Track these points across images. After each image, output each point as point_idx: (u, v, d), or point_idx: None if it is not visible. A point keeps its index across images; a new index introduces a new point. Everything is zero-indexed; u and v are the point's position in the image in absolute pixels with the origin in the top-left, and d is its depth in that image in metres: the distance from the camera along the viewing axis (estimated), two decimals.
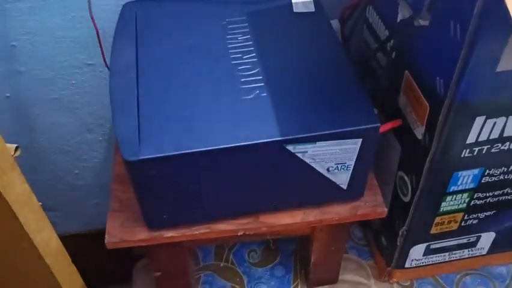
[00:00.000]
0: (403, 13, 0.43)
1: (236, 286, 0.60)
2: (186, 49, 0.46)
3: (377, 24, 0.49)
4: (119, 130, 0.39)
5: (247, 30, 0.48)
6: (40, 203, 0.41)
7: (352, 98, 0.41)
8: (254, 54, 0.45)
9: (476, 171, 0.46)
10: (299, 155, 0.40)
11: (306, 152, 0.40)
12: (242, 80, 0.43)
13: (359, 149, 0.41)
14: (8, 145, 0.37)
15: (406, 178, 0.49)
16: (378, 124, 0.39)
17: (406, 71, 0.44)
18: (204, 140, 0.38)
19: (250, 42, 0.46)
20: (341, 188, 0.44)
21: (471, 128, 0.41)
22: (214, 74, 0.44)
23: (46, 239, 0.43)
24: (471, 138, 0.42)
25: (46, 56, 0.58)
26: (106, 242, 0.44)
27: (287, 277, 0.61)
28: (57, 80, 0.61)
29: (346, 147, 0.40)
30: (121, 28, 0.49)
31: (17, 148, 0.38)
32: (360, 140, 0.40)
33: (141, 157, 0.37)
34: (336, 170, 0.42)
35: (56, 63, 0.59)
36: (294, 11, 0.49)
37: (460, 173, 0.46)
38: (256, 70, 0.44)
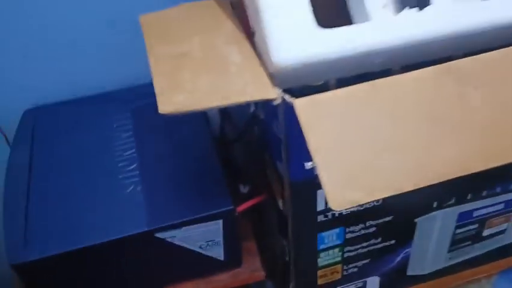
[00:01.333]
0: (251, 105, 0.50)
1: None
2: (76, 150, 0.53)
3: (247, 108, 0.57)
4: (6, 232, 0.45)
5: (130, 127, 0.55)
6: None
7: (210, 187, 0.48)
8: (133, 150, 0.52)
9: (337, 230, 0.53)
10: (170, 239, 0.46)
11: (175, 236, 0.46)
12: (120, 176, 0.49)
13: (222, 228, 0.47)
14: None
15: (283, 242, 0.55)
16: (232, 207, 0.46)
17: (266, 152, 0.52)
18: (80, 239, 0.44)
19: (132, 139, 0.53)
20: (219, 259, 0.50)
21: (316, 199, 0.48)
22: (98, 172, 0.50)
23: None
24: (321, 206, 0.49)
25: None
26: None
27: None
28: None
29: (210, 228, 0.47)
30: (19, 133, 0.55)
31: None
32: (221, 220, 0.47)
33: (25, 259, 0.43)
34: (208, 247, 0.49)
35: None
36: None
37: (323, 233, 0.53)
38: (134, 165, 0.50)
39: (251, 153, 0.57)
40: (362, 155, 0.37)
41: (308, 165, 0.43)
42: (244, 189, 0.54)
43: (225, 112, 0.60)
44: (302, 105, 0.38)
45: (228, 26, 0.46)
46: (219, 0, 0.49)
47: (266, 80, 0.41)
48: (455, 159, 0.37)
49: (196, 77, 0.41)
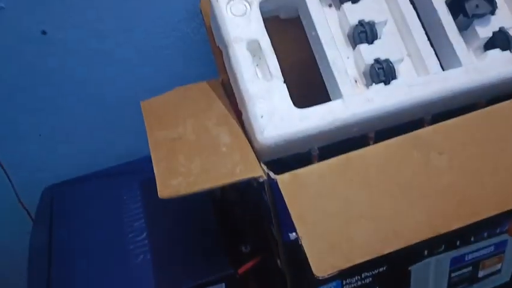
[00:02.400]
0: None
1: None
2: (90, 225, 0.58)
3: None
4: None
5: (139, 198, 0.60)
6: None
7: (212, 252, 0.52)
8: (142, 221, 0.57)
9: (334, 283, 0.57)
10: None
11: None
12: (131, 246, 0.54)
13: None
14: None
15: None
16: (232, 270, 0.51)
17: (262, 216, 0.56)
18: None
19: (141, 209, 0.58)
20: None
21: None
22: (110, 244, 0.55)
23: None
24: None
25: None
26: None
27: None
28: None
29: None
30: (39, 211, 0.61)
31: None
32: (223, 284, 0.51)
33: None
34: None
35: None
36: None
37: (322, 287, 0.56)
38: (143, 235, 0.55)
39: (250, 215, 0.61)
40: (339, 223, 0.41)
41: (292, 235, 0.47)
42: (246, 249, 0.58)
43: None
44: (284, 181, 0.43)
45: (219, 107, 0.51)
46: (211, 82, 0.55)
47: (253, 157, 0.46)
48: (425, 222, 0.41)
49: (190, 160, 0.46)
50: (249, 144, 0.47)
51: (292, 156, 0.49)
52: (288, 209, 0.45)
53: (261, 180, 0.44)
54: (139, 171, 0.63)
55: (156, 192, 0.62)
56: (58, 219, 0.59)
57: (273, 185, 0.44)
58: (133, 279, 0.51)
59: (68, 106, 0.64)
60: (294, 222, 0.41)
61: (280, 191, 0.43)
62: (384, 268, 0.57)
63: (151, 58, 0.62)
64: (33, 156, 0.65)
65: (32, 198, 0.65)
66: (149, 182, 0.63)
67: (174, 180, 0.44)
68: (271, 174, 0.44)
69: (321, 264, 0.40)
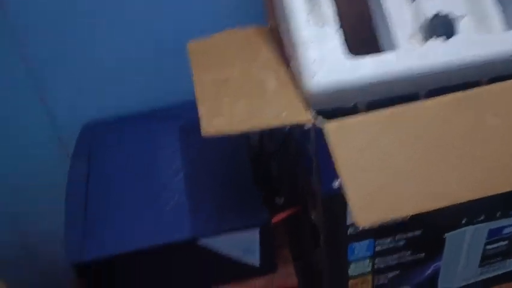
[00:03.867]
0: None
1: None
2: (129, 163, 0.58)
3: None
4: (67, 235, 0.51)
5: (177, 142, 0.60)
6: None
7: (248, 199, 0.52)
8: (179, 162, 0.57)
9: (367, 242, 0.56)
10: (210, 247, 0.51)
11: (215, 244, 0.51)
12: (168, 187, 0.55)
13: (259, 237, 0.52)
14: None
15: (316, 251, 0.59)
16: (267, 218, 0.50)
17: (299, 165, 0.56)
18: (134, 242, 0.50)
19: (178, 152, 0.58)
20: (255, 266, 0.55)
21: (346, 213, 0.52)
22: (148, 182, 0.56)
23: None
24: (351, 220, 0.53)
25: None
26: None
27: None
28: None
29: (247, 237, 0.51)
30: (78, 146, 0.62)
31: None
32: (257, 230, 0.51)
33: (82, 260, 0.49)
34: (246, 254, 0.53)
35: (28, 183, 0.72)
36: None
37: (354, 245, 0.56)
38: (179, 177, 0.56)
39: (286, 167, 0.61)
40: (383, 176, 0.40)
41: (335, 184, 0.46)
42: (279, 200, 0.58)
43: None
44: (331, 129, 0.42)
45: (266, 53, 0.50)
46: (260, 28, 0.54)
47: (300, 104, 0.45)
48: (472, 183, 0.40)
49: (235, 102, 0.45)
50: (296, 91, 0.46)
51: (338, 109, 0.48)
52: (331, 158, 0.44)
53: (307, 126, 0.43)
54: (178, 117, 0.63)
55: (194, 137, 0.62)
56: (96, 156, 0.60)
57: (319, 132, 0.43)
58: (166, 219, 0.52)
59: (116, 45, 0.63)
60: (338, 169, 0.40)
61: (324, 140, 0.42)
62: (420, 232, 0.56)
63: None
64: (74, 92, 0.66)
65: (71, 134, 0.66)
66: (187, 128, 0.64)
67: (218, 120, 0.43)
68: (319, 121, 0.43)
69: (362, 214, 0.39)
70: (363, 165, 0.41)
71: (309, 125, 0.43)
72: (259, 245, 0.52)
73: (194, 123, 0.63)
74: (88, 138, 0.62)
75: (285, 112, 0.44)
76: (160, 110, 0.64)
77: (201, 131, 0.42)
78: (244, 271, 0.55)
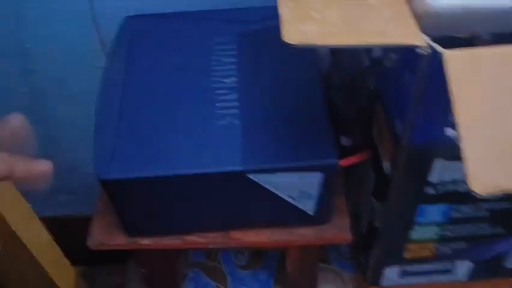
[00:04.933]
0: (377, 50, 0.44)
1: (220, 286, 0.64)
2: (172, 68, 0.49)
3: (362, 52, 0.50)
4: (97, 146, 0.43)
5: (233, 52, 0.50)
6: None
7: (316, 133, 0.43)
8: (234, 78, 0.47)
9: (443, 206, 0.47)
10: (262, 183, 0.42)
11: (268, 181, 0.42)
12: (217, 104, 0.45)
13: (320, 181, 0.43)
14: None
15: (377, 205, 0.50)
16: (336, 160, 0.41)
17: (379, 106, 0.46)
18: (169, 165, 0.41)
19: (233, 65, 0.48)
20: (307, 213, 0.46)
21: (431, 169, 0.42)
22: (193, 96, 0.46)
23: (35, 234, 0.47)
24: (433, 178, 0.43)
25: (56, 56, 0.63)
26: (87, 243, 0.48)
27: (269, 282, 0.64)
28: (68, 80, 0.66)
29: (307, 179, 0.42)
30: (116, 42, 0.52)
31: None
32: (320, 173, 0.42)
33: (111, 177, 0.41)
34: (300, 198, 0.44)
35: (66, 63, 0.64)
36: None
37: (426, 206, 0.47)
38: (233, 96, 0.46)
39: (359, 103, 0.51)
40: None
41: (450, 131, 0.36)
42: (346, 141, 0.48)
43: (337, 51, 0.53)
44: (453, 59, 0.32)
45: None
46: None
47: (411, 21, 0.34)
48: None
49: (327, 6, 0.35)
50: (405, 6, 0.35)
51: (453, 39, 0.37)
52: (438, 99, 0.34)
53: (420, 51, 0.32)
54: (239, 22, 0.52)
55: (255, 50, 0.52)
56: (137, 54, 0.50)
57: (434, 61, 0.32)
58: (212, 143, 0.43)
59: None
60: (457, 116, 0.30)
61: (440, 73, 0.31)
62: (508, 204, 0.47)
63: None
64: None
65: (110, 28, 0.56)
66: (249, 37, 0.53)
67: (305, 27, 0.33)
68: (437, 47, 0.32)
69: (481, 178, 0.29)
70: (491, 114, 0.31)
71: (422, 50, 0.33)
72: (317, 191, 0.44)
73: (258, 33, 0.54)
74: (129, 32, 0.52)
75: (393, 29, 0.33)
76: (217, 11, 0.53)
77: (283, 36, 0.32)
78: (292, 217, 0.47)
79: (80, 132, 0.71)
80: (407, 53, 0.35)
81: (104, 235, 0.49)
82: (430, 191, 0.45)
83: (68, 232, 0.73)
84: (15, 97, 0.67)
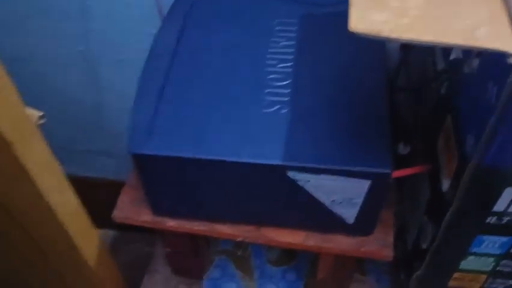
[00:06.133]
0: (456, 52, 0.38)
1: (246, 277, 0.61)
2: (227, 45, 0.45)
3: (438, 52, 0.45)
4: (134, 118, 0.40)
5: (293, 35, 0.45)
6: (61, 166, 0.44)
7: (371, 136, 0.38)
8: (290, 64, 0.43)
9: (505, 238, 0.41)
10: (301, 183, 0.38)
11: (309, 181, 0.38)
12: (267, 90, 0.41)
13: (368, 190, 0.38)
14: (32, 112, 0.40)
15: (429, 224, 0.45)
16: (390, 170, 0.36)
17: (449, 115, 0.40)
18: (208, 148, 0.38)
19: (291, 50, 0.44)
20: (347, 221, 0.42)
21: (500, 196, 0.37)
22: (243, 77, 0.43)
23: (65, 201, 0.46)
24: (500, 207, 0.38)
25: (116, 20, 0.61)
26: (112, 215, 0.46)
27: (297, 283, 0.60)
28: (126, 43, 0.64)
29: (353, 186, 0.38)
30: (173, 10, 0.49)
31: (41, 116, 0.40)
32: (370, 181, 0.37)
33: (144, 152, 0.38)
34: (342, 204, 0.40)
35: (124, 27, 0.62)
36: None
37: (484, 237, 0.41)
38: (286, 82, 0.42)
39: (426, 109, 0.45)
40: None
41: None
42: (403, 150, 0.43)
43: (409, 48, 0.48)
44: None
45: None
46: None
47: (507, 24, 0.28)
48: None
49: None
50: (503, 3, 0.29)
51: None
52: None
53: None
54: (307, 2, 0.48)
55: (318, 36, 0.48)
56: (191, 26, 0.47)
57: None
58: (256, 129, 0.39)
59: None
60: None
61: None
62: None
63: None
64: None
65: None
66: (315, 21, 0.49)
67: (379, 15, 0.28)
68: None
69: None
70: None
71: None
72: (363, 200, 0.39)
73: (324, 18, 0.49)
74: (189, 2, 0.49)
75: (485, 30, 0.28)
76: None
77: (349, 23, 0.27)
78: (331, 223, 0.43)
79: (127, 98, 0.70)
80: (495, 60, 0.30)
81: (130, 210, 0.47)
82: (493, 220, 0.39)
83: (102, 194, 0.73)
84: (72, 55, 0.66)
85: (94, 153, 0.82)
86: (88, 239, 0.51)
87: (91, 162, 0.84)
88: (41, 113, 0.40)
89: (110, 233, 0.89)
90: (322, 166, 0.37)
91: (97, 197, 0.77)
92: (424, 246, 0.46)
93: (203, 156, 0.38)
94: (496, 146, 0.32)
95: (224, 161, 0.38)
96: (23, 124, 0.39)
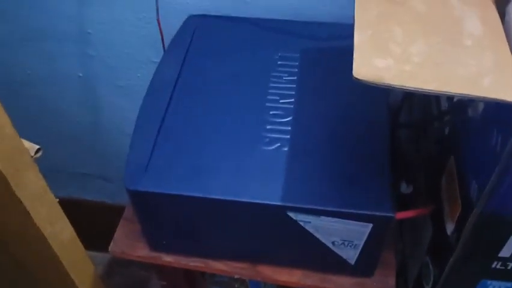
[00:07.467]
0: None
1: None
2: (228, 78, 0.45)
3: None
4: (131, 153, 0.39)
5: (295, 70, 0.45)
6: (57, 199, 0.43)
7: (373, 177, 0.37)
8: (291, 100, 0.43)
9: (509, 284, 0.40)
10: (301, 223, 0.37)
11: (310, 222, 0.37)
12: (269, 127, 0.41)
13: (369, 232, 0.37)
14: (30, 145, 0.39)
15: (431, 266, 0.44)
16: (393, 213, 0.35)
17: (452, 157, 0.39)
18: (205, 186, 0.37)
19: (293, 85, 0.44)
20: (348, 262, 0.41)
21: (505, 242, 0.36)
22: (245, 112, 0.42)
23: (58, 231, 0.45)
24: (506, 253, 0.37)
25: (116, 46, 0.61)
26: (109, 248, 0.46)
27: None
28: (124, 69, 0.63)
29: (355, 228, 0.37)
30: (175, 40, 0.49)
31: (38, 150, 0.39)
32: (371, 224, 0.36)
33: (139, 188, 0.37)
34: (342, 246, 0.39)
35: (124, 54, 0.61)
36: None
37: (489, 282, 0.40)
38: (287, 119, 0.41)
39: (429, 149, 0.45)
40: None
41: None
42: (406, 189, 0.43)
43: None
44: None
45: None
46: None
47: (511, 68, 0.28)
48: None
49: (411, 39, 0.29)
50: (508, 48, 0.29)
51: None
52: None
53: None
54: (308, 37, 0.47)
55: (320, 70, 0.47)
56: (194, 55, 0.47)
57: None
58: (255, 167, 0.38)
59: None
60: None
61: None
62: None
63: None
64: None
65: (172, 24, 0.53)
66: (316, 55, 0.48)
67: (381, 61, 0.28)
68: None
69: None
70: None
71: None
72: (364, 242, 0.38)
73: (327, 52, 0.48)
74: (190, 31, 0.49)
75: (489, 79, 0.27)
76: (289, 22, 0.48)
77: (353, 70, 0.27)
78: (331, 263, 0.41)
79: (127, 123, 0.69)
80: (500, 107, 0.29)
81: (126, 244, 0.46)
82: (499, 265, 0.38)
83: (99, 217, 0.71)
84: (71, 80, 0.66)
85: (92, 177, 0.81)
86: (81, 269, 0.49)
87: (88, 185, 0.83)
88: (37, 147, 0.40)
89: (107, 256, 0.88)
90: (323, 208, 0.36)
91: (94, 219, 0.76)
92: (427, 287, 0.45)
93: (200, 195, 0.37)
94: (501, 195, 0.32)
95: (221, 200, 0.37)
96: (18, 157, 0.38)
